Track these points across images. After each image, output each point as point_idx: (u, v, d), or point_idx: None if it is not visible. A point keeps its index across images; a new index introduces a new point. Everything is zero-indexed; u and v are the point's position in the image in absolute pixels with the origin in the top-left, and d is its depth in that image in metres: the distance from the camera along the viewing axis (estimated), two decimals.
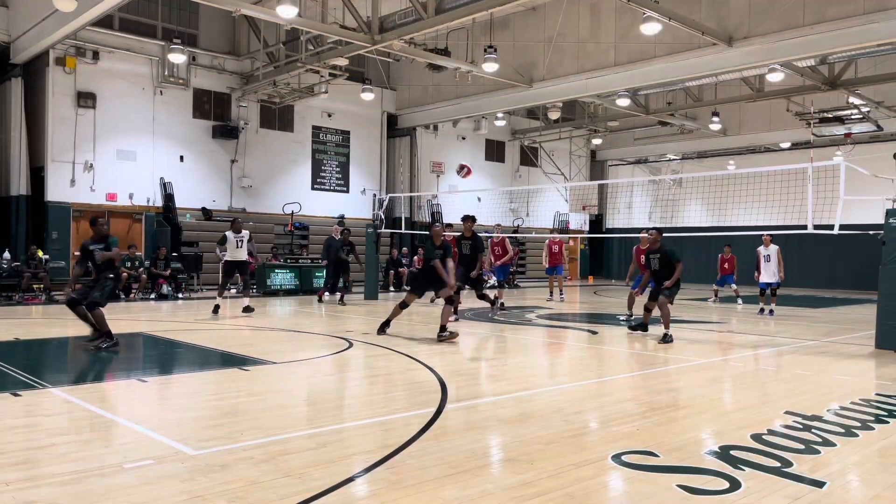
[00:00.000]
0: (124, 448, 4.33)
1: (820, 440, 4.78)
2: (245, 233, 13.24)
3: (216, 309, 12.88)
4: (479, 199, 25.88)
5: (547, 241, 18.08)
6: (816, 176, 10.37)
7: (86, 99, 18.09)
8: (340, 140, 23.37)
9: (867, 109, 20.36)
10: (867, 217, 17.00)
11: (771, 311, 14.33)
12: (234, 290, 18.76)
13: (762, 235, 14.81)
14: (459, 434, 4.82)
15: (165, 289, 16.45)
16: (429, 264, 10.63)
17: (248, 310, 12.89)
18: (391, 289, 20.73)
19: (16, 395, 5.82)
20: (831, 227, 9.82)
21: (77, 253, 10.34)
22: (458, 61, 18.19)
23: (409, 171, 24.32)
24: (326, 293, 16.09)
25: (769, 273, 14.44)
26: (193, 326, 11.11)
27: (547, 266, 18.01)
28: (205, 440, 4.56)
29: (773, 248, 14.50)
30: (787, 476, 4.02)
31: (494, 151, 27.84)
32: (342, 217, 22.84)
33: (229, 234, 13.00)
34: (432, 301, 15.56)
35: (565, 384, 6.97)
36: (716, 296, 18.21)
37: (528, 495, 3.63)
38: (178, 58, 17.70)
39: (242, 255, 13.12)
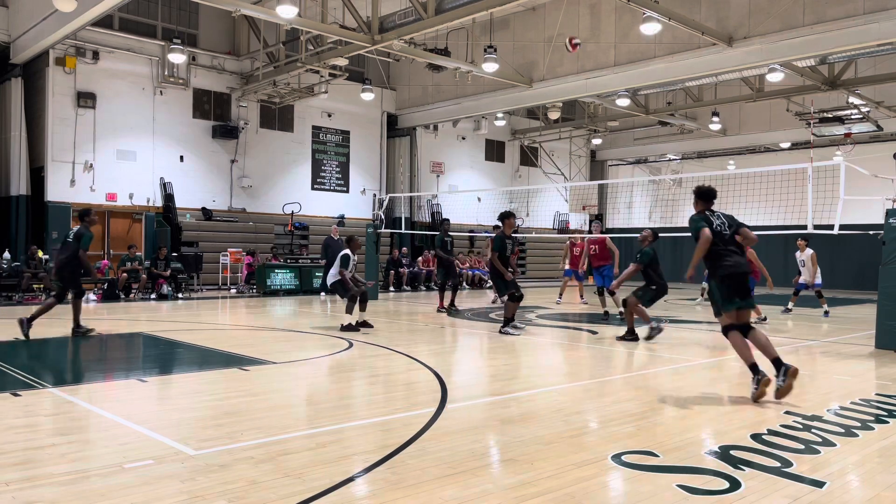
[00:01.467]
0: (124, 448, 4.33)
1: (820, 440, 4.78)
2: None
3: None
4: (479, 199, 25.89)
5: (567, 241, 16.85)
6: (816, 176, 10.36)
7: (86, 99, 18.10)
8: (340, 140, 23.38)
9: (867, 109, 20.37)
10: (867, 217, 17.00)
11: (826, 313, 14.48)
12: (232, 291, 18.77)
13: (797, 241, 14.88)
14: (459, 434, 4.82)
15: (165, 289, 16.45)
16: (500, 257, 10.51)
17: (366, 325, 10.93)
18: (391, 289, 20.74)
19: (16, 395, 5.82)
20: (831, 227, 9.82)
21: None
22: (458, 61, 18.19)
23: (409, 171, 24.33)
24: (444, 305, 14.16)
25: (806, 277, 14.78)
26: (193, 326, 11.12)
27: (568, 268, 16.51)
28: (205, 440, 4.56)
29: (808, 253, 14.72)
30: (787, 476, 4.02)
31: (494, 151, 27.85)
32: (342, 217, 22.85)
33: (350, 253, 11.01)
34: (494, 302, 15.51)
35: (565, 384, 6.97)
36: (702, 295, 17.83)
37: (528, 495, 3.63)
38: (178, 58, 17.71)
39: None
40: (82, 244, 9.46)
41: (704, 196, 6.59)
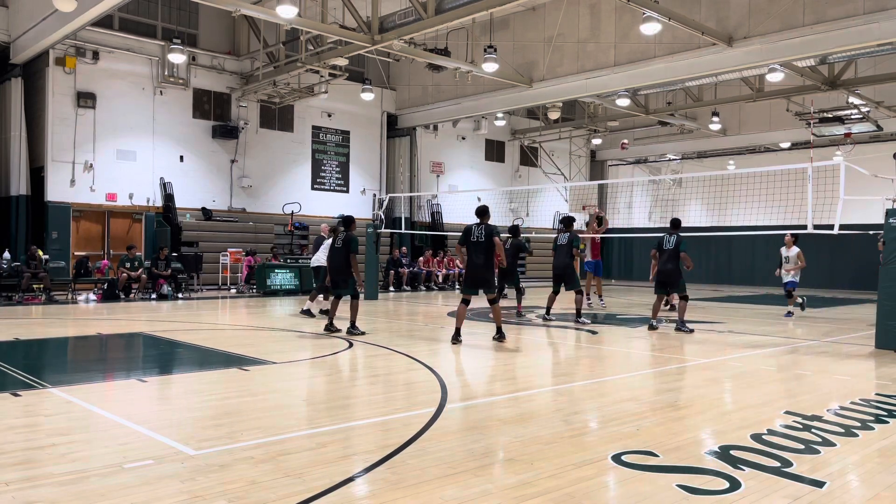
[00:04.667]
0: (124, 448, 4.33)
1: (820, 440, 4.79)
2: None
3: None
4: (479, 200, 25.86)
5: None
6: (816, 176, 10.38)
7: (86, 99, 18.09)
8: (340, 140, 23.37)
9: (867, 109, 20.36)
10: (867, 217, 17.02)
11: (788, 314, 14.16)
12: (232, 291, 18.78)
13: (785, 236, 14.42)
14: (459, 434, 4.82)
15: (165, 289, 16.44)
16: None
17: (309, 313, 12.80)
18: (391, 289, 20.74)
19: (16, 395, 5.82)
20: (831, 227, 9.82)
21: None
22: (458, 61, 18.19)
23: (409, 171, 24.33)
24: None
25: (788, 274, 14.33)
26: (193, 326, 11.12)
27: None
28: (205, 440, 4.56)
29: (795, 251, 14.28)
30: (787, 476, 4.02)
31: (494, 151, 27.84)
32: (342, 217, 22.83)
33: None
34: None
35: (565, 384, 6.97)
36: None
37: (528, 495, 3.64)
38: (177, 58, 17.70)
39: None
40: (352, 248, 10.30)
41: (477, 213, 9.53)
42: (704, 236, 20.73)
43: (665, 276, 11.27)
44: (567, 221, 12.63)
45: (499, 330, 9.59)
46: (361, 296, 10.85)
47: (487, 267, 9.31)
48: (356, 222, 10.87)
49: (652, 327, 11.32)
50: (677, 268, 11.12)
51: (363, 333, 10.08)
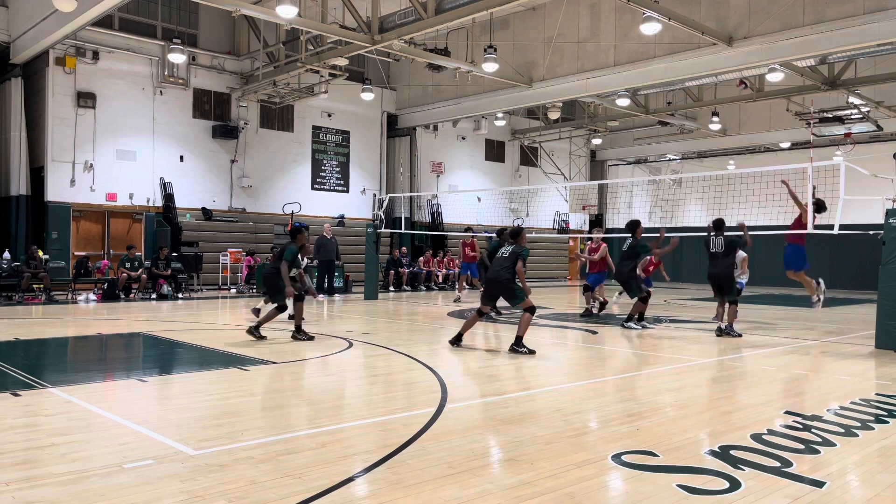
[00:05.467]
0: (124, 448, 4.33)
1: (820, 440, 4.79)
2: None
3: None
4: (479, 199, 25.90)
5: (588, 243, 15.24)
6: (816, 176, 10.38)
7: (86, 99, 18.09)
8: (340, 140, 23.37)
9: (867, 109, 20.37)
10: (867, 217, 17.00)
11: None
12: (232, 291, 18.78)
13: None
14: (459, 434, 4.82)
15: (165, 289, 16.44)
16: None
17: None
18: (391, 289, 20.74)
19: (16, 395, 5.82)
20: (831, 227, 9.82)
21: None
22: (457, 61, 18.19)
23: (409, 171, 24.33)
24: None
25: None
26: (193, 326, 11.12)
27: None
28: (205, 440, 4.56)
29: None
30: (787, 476, 4.02)
31: (494, 151, 27.84)
32: (342, 217, 22.85)
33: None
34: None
35: (565, 384, 6.97)
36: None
37: (528, 495, 3.64)
38: (177, 58, 17.70)
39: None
40: (285, 257, 9.74)
41: (511, 235, 9.13)
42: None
43: (717, 279, 10.89)
44: (631, 227, 12.19)
45: (517, 340, 8.72)
46: (302, 302, 10.08)
47: (501, 278, 8.81)
48: (304, 233, 10.16)
49: (722, 333, 10.65)
50: (729, 271, 10.78)
51: (263, 338, 9.36)
